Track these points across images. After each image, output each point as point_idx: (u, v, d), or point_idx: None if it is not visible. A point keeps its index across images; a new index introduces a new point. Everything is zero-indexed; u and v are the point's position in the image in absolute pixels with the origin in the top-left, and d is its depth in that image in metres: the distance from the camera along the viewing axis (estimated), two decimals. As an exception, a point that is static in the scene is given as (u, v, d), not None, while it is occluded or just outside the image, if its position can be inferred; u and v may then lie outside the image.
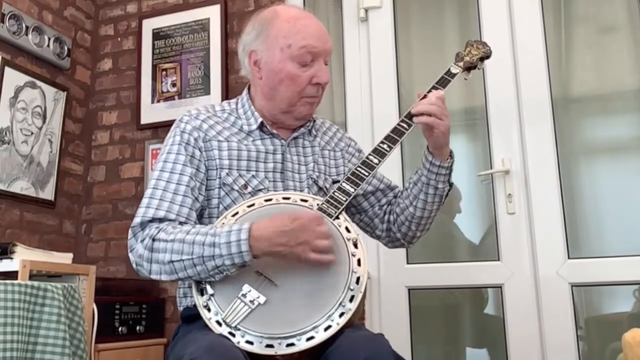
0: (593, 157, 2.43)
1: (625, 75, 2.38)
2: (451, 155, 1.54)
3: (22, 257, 1.99)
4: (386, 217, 1.64)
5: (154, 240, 1.32)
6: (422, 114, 1.46)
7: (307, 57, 1.45)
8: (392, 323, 2.42)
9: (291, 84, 1.46)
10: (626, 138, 2.37)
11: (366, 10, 2.74)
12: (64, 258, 2.20)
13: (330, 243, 1.28)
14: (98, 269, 2.41)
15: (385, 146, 1.46)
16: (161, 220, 1.36)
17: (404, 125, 1.49)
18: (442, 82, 1.56)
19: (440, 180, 1.52)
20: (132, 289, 2.61)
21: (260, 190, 1.45)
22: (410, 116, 1.49)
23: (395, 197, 1.65)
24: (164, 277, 1.32)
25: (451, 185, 1.57)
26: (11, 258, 1.97)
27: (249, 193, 1.44)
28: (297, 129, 1.56)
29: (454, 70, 1.60)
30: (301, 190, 1.49)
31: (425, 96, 1.51)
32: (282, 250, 1.27)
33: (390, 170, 2.45)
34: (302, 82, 1.46)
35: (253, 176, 1.46)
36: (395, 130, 1.49)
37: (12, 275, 1.92)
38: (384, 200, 1.66)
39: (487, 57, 1.67)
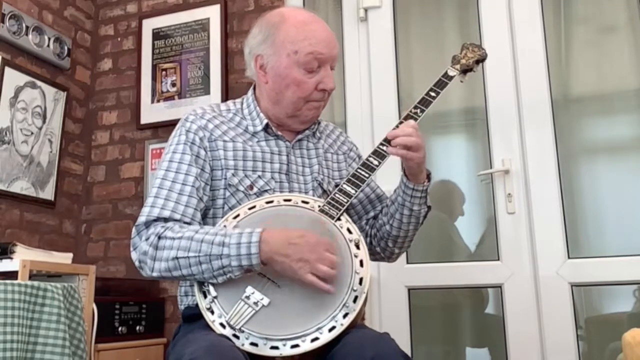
0: (593, 157, 2.43)
1: (626, 75, 2.38)
2: (429, 178, 1.52)
3: (22, 257, 1.99)
4: (369, 231, 1.63)
5: (159, 237, 1.32)
6: (397, 145, 1.43)
7: (314, 63, 1.45)
8: (392, 323, 2.42)
9: (297, 89, 1.46)
10: (626, 138, 2.37)
11: (366, 10, 2.74)
12: (64, 258, 2.20)
13: (333, 272, 1.25)
14: (98, 269, 2.41)
15: (384, 148, 1.46)
16: (166, 220, 1.36)
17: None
18: (440, 85, 1.57)
19: (415, 203, 1.50)
20: (132, 289, 2.61)
21: (266, 191, 1.45)
22: (377, 152, 1.45)
23: (381, 210, 1.64)
24: (165, 275, 1.31)
25: (429, 207, 1.55)
26: (11, 258, 1.97)
27: (255, 194, 1.44)
28: (302, 131, 1.55)
29: (451, 73, 1.61)
30: (306, 192, 1.49)
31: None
32: (283, 260, 1.25)
33: (391, 171, 2.45)
34: (308, 88, 1.46)
35: (259, 177, 1.46)
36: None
37: (12, 275, 1.92)
38: (371, 214, 1.65)
39: (483, 60, 1.68)
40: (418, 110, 1.51)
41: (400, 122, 1.49)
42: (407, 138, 1.42)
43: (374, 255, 1.64)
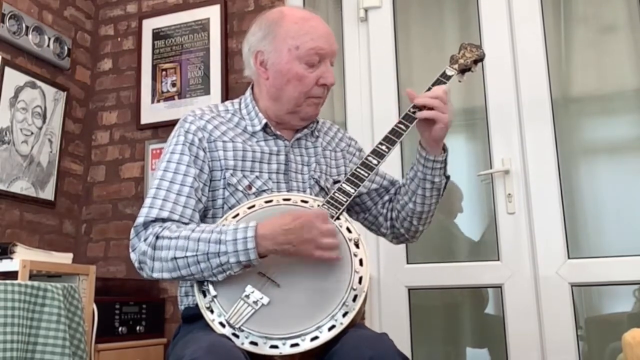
0: (593, 157, 2.43)
1: (625, 75, 2.38)
2: (444, 148, 1.54)
3: (22, 257, 1.99)
4: (389, 214, 1.65)
5: (157, 238, 1.32)
6: (424, 107, 1.47)
7: (315, 58, 1.46)
8: (392, 323, 2.42)
9: (298, 84, 1.46)
10: (626, 138, 2.37)
11: (366, 10, 2.74)
12: (64, 258, 2.20)
13: (336, 241, 1.29)
14: (98, 269, 2.41)
15: (383, 147, 1.47)
16: (164, 220, 1.36)
17: (402, 126, 1.50)
18: (438, 84, 1.57)
19: (436, 175, 1.53)
20: (132, 289, 2.61)
21: (264, 190, 1.45)
22: (407, 117, 1.50)
23: (396, 193, 1.66)
24: (165, 275, 1.31)
25: (448, 177, 1.58)
26: (11, 258, 1.97)
27: (253, 194, 1.44)
28: (301, 130, 1.56)
29: (449, 73, 1.61)
30: (304, 191, 1.49)
31: (429, 89, 1.53)
32: (288, 248, 1.26)
33: (391, 169, 2.45)
34: (309, 83, 1.47)
35: (257, 177, 1.46)
36: (393, 131, 1.49)
37: (12, 275, 1.92)
38: (386, 198, 1.67)
39: (481, 59, 1.68)
40: (417, 110, 1.51)
41: (403, 117, 1.51)
42: (432, 100, 1.47)
43: (398, 238, 1.67)
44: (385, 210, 1.65)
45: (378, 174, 1.66)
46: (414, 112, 1.50)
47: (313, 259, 1.27)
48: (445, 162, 1.54)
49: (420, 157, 1.53)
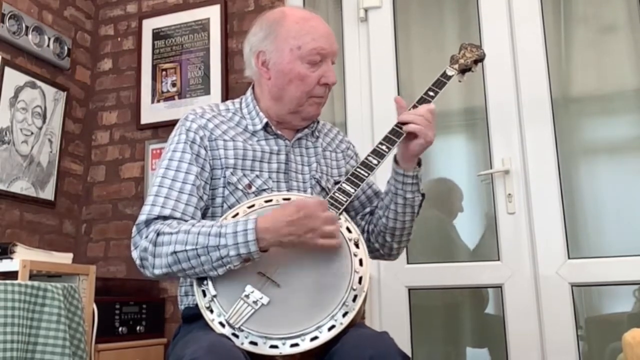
0: (593, 157, 2.43)
1: (625, 75, 2.38)
2: (419, 164, 1.52)
3: (22, 257, 1.99)
4: (366, 226, 1.63)
5: (158, 234, 1.32)
6: (408, 123, 1.46)
7: (317, 57, 1.47)
8: (392, 323, 2.42)
9: (300, 84, 1.47)
10: (626, 138, 2.37)
11: (366, 10, 2.74)
12: (64, 258, 2.20)
13: (337, 227, 1.30)
14: (98, 269, 2.41)
15: (384, 147, 1.46)
16: (166, 218, 1.36)
17: (401, 127, 1.49)
18: (438, 84, 1.57)
19: (408, 190, 1.50)
20: (132, 289, 2.61)
21: (264, 190, 1.45)
22: (393, 131, 1.49)
23: (377, 206, 1.64)
24: (166, 270, 1.31)
25: (423, 195, 1.55)
26: (11, 258, 1.97)
27: (253, 193, 1.44)
28: (301, 130, 1.56)
29: (449, 73, 1.61)
30: (304, 191, 1.49)
31: (414, 106, 1.51)
32: (292, 239, 1.27)
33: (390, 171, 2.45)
34: (311, 83, 1.47)
35: (257, 176, 1.47)
36: (393, 131, 1.49)
37: (12, 275, 1.92)
38: (367, 210, 1.65)
39: (481, 59, 1.68)
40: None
41: (390, 131, 1.49)
42: (415, 117, 1.46)
43: (373, 253, 1.64)
44: (363, 223, 1.64)
45: (365, 182, 1.65)
46: (400, 127, 1.48)
47: (316, 247, 1.28)
48: (417, 177, 1.51)
49: (393, 170, 1.52)
